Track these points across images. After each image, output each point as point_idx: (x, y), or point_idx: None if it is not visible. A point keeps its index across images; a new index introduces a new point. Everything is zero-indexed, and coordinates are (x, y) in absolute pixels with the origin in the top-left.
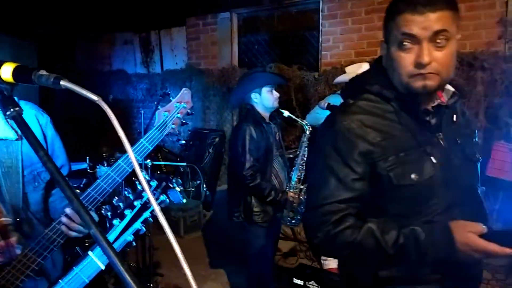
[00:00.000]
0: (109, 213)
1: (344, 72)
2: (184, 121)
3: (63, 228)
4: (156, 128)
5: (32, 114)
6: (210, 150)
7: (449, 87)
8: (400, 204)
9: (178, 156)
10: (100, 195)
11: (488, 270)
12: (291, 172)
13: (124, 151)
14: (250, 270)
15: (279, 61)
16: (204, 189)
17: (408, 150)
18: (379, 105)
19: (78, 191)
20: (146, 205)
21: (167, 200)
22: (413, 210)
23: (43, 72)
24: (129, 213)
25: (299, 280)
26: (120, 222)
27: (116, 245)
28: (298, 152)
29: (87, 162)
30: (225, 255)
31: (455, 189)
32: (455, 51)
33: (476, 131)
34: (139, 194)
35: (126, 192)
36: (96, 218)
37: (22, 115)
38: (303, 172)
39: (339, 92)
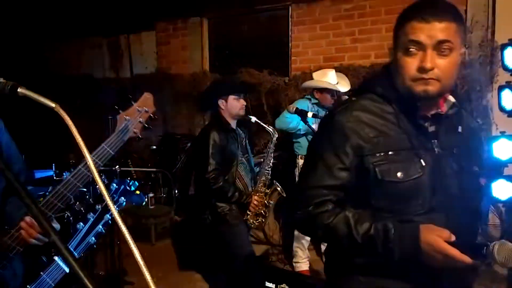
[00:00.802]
0: (71, 218)
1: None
2: (147, 125)
3: (23, 234)
4: (117, 133)
5: None
6: (182, 156)
7: (450, 97)
8: (382, 200)
9: (149, 161)
10: (60, 201)
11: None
12: (257, 177)
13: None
14: (237, 269)
15: (250, 65)
16: (176, 195)
17: (399, 150)
18: (380, 105)
19: (41, 199)
20: (106, 208)
21: (124, 203)
22: (394, 207)
23: (0, 79)
24: (91, 217)
25: (270, 283)
26: (83, 226)
27: (80, 248)
28: (264, 157)
29: (53, 169)
30: (198, 261)
31: (441, 195)
32: (458, 62)
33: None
34: (99, 198)
35: (87, 196)
36: (57, 226)
37: None
38: (269, 177)
39: (307, 96)
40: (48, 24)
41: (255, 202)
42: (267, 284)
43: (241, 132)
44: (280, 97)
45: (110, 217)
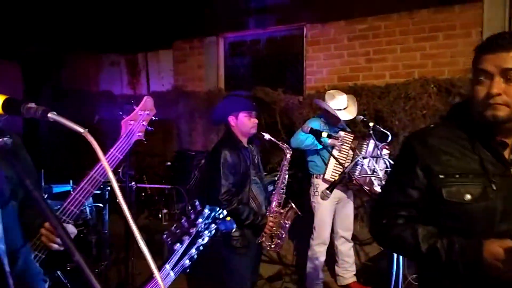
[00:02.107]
0: (169, 239)
1: None
2: (150, 128)
3: (44, 240)
4: (124, 137)
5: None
6: (196, 172)
7: None
8: (450, 220)
9: (163, 178)
10: (76, 207)
11: None
12: (272, 196)
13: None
14: None
15: (264, 84)
16: (190, 211)
17: (469, 174)
18: (454, 131)
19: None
20: (199, 233)
21: (214, 230)
22: (462, 228)
23: (31, 105)
24: (186, 239)
25: None
26: (180, 247)
27: (176, 269)
28: (279, 175)
29: (71, 185)
30: (207, 277)
31: None
32: None
33: None
34: (193, 222)
35: (182, 221)
36: (74, 230)
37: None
38: (284, 196)
39: (319, 115)
40: (67, 40)
41: (270, 224)
42: None
43: (253, 149)
44: (294, 115)
45: (202, 243)
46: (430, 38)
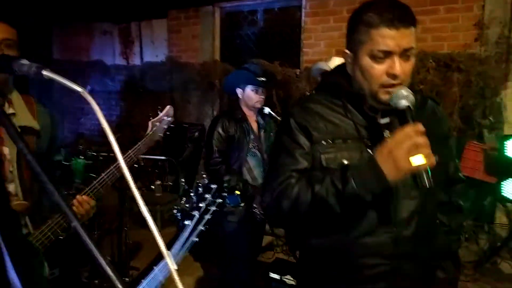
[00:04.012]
0: (179, 215)
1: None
2: (168, 132)
3: (75, 202)
4: (149, 135)
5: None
6: (189, 144)
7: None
8: None
9: (156, 149)
10: (102, 186)
11: (497, 278)
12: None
13: (100, 145)
14: (226, 274)
15: (261, 56)
16: (183, 183)
17: (346, 139)
18: (330, 99)
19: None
20: (207, 208)
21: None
22: None
23: (24, 61)
24: (196, 214)
25: (275, 275)
26: (191, 222)
27: (186, 244)
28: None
29: (62, 154)
30: (201, 249)
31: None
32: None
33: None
34: (202, 197)
35: (191, 195)
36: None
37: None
38: None
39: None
40: (57, 9)
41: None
42: (272, 275)
43: (262, 122)
44: (291, 89)
45: (209, 218)
46: (431, 12)
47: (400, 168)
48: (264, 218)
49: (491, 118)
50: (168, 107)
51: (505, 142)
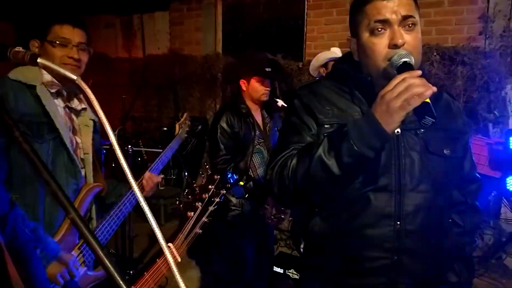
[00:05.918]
0: (182, 206)
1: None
2: (187, 134)
3: (144, 183)
4: (179, 135)
5: None
6: (192, 138)
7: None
8: None
9: (160, 143)
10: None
11: (502, 274)
12: None
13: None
14: (223, 273)
15: (263, 49)
16: (186, 177)
17: None
18: (338, 85)
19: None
20: (210, 199)
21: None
22: None
23: (19, 48)
24: (200, 205)
25: (279, 268)
26: (194, 214)
27: (190, 237)
28: None
29: None
30: (205, 243)
31: (395, 173)
32: (421, 37)
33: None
34: (205, 188)
35: (194, 186)
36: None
37: None
38: None
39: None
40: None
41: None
42: (276, 269)
43: (266, 116)
44: (293, 81)
45: (212, 209)
46: (435, 4)
47: (395, 109)
48: (274, 223)
49: (496, 112)
50: (185, 114)
51: (510, 137)
